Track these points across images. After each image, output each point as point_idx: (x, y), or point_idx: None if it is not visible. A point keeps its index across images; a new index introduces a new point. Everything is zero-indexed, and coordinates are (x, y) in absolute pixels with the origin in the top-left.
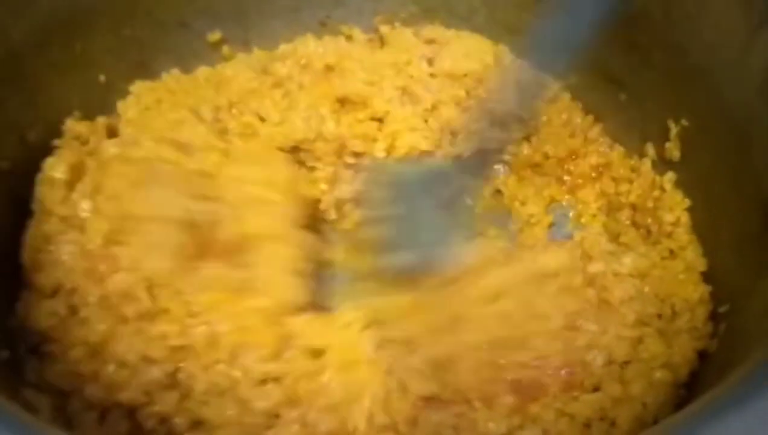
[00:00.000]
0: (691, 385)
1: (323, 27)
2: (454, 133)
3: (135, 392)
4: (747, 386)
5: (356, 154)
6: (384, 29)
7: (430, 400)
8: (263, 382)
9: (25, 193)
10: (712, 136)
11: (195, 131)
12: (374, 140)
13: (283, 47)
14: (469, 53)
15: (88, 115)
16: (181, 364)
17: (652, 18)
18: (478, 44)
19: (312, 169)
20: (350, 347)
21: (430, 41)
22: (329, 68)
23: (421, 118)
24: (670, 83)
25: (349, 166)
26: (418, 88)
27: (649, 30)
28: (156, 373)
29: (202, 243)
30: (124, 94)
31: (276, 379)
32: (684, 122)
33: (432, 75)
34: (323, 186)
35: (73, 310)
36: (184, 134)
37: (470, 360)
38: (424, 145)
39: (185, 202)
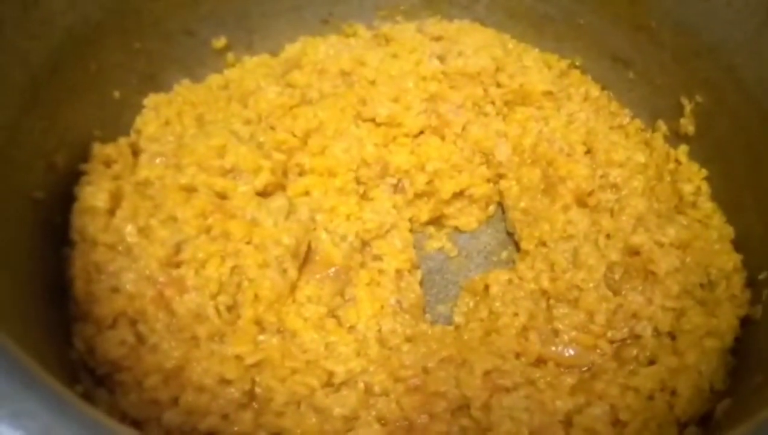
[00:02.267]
0: (738, 351)
1: (326, 25)
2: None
3: (214, 417)
4: None
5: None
6: (387, 26)
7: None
8: (339, 387)
9: (59, 220)
10: (729, 110)
11: (238, 153)
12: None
13: (289, 48)
14: (477, 48)
15: (108, 133)
16: (257, 379)
17: None
18: (484, 36)
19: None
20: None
21: (437, 38)
22: (345, 74)
23: (451, 141)
24: (681, 61)
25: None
26: (443, 106)
27: (658, 9)
28: (233, 393)
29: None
30: (138, 108)
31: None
32: (698, 98)
33: (444, 73)
34: None
35: (141, 338)
36: (228, 159)
37: None
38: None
39: None
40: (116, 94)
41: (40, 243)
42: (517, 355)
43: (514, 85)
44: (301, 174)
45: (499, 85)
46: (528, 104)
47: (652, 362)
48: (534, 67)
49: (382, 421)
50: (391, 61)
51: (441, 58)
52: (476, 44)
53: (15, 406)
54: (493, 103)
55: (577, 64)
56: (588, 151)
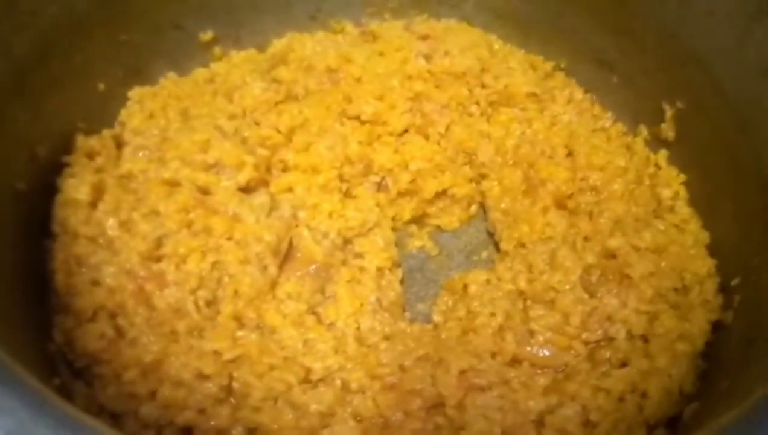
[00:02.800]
0: (709, 355)
1: (313, 21)
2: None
3: (191, 411)
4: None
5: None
6: (375, 23)
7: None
8: (316, 384)
9: (41, 212)
10: (709, 117)
11: (222, 148)
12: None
13: (276, 43)
14: (464, 48)
15: (92, 125)
16: (235, 374)
17: (646, 3)
18: (470, 36)
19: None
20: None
21: (424, 37)
22: (331, 71)
23: (435, 141)
24: (664, 67)
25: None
26: (428, 106)
27: (642, 15)
28: (211, 388)
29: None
30: (123, 100)
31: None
32: (679, 104)
33: (430, 72)
34: None
35: (120, 332)
36: (211, 153)
37: None
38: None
39: None
40: (101, 86)
41: (22, 235)
42: (493, 355)
43: (499, 86)
44: (284, 170)
45: (483, 86)
46: (512, 105)
47: (624, 364)
48: (519, 69)
49: (358, 418)
50: (377, 59)
51: (427, 57)
52: (462, 44)
53: None
54: (477, 103)
55: (562, 66)
56: (569, 154)
